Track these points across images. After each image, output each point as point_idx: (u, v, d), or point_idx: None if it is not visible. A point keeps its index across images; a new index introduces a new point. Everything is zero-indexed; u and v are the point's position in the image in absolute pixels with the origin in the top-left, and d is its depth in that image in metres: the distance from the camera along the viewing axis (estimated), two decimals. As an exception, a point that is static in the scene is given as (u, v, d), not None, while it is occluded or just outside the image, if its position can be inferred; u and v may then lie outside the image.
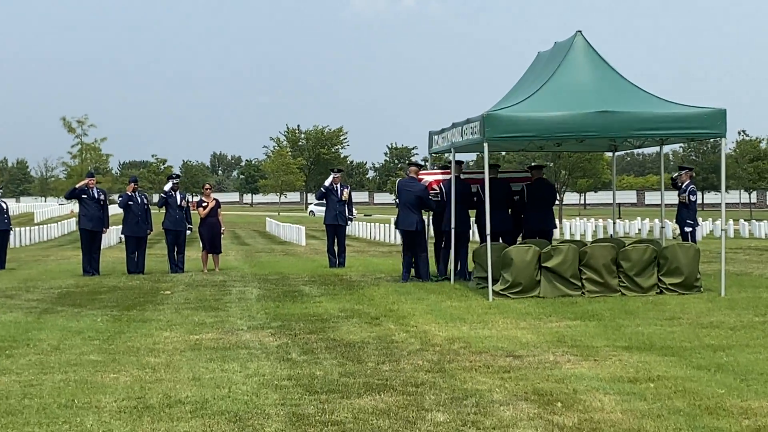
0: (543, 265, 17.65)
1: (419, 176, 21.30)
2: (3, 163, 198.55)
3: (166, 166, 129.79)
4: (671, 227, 53.24)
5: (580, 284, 17.75)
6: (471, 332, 13.70)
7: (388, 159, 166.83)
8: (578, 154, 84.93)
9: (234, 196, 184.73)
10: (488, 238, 17.85)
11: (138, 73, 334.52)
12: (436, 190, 21.09)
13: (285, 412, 8.96)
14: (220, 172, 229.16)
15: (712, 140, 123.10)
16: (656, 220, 60.64)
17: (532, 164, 21.34)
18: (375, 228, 51.11)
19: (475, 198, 20.90)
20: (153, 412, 9.04)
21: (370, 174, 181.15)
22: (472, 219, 21.90)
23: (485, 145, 17.51)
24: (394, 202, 22.09)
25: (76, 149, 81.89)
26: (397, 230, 22.34)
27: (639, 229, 57.61)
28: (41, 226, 53.88)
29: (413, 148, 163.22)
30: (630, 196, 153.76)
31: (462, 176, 21.14)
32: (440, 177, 21.29)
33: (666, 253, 18.04)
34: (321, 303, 17.33)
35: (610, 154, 24.96)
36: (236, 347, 12.67)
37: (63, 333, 14.03)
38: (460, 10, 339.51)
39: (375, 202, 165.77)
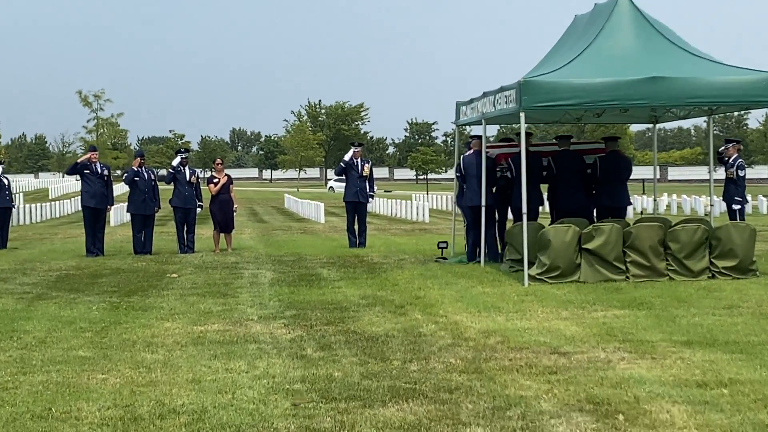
0: (583, 246, 16.15)
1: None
2: (22, 139, 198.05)
3: (183, 141, 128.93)
4: (703, 204, 52.29)
5: (624, 268, 16.23)
6: (508, 323, 12.26)
7: (408, 135, 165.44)
8: (602, 129, 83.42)
9: (253, 172, 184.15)
10: (524, 217, 16.40)
11: (157, 48, 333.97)
12: (504, 165, 19.58)
13: (296, 425, 7.60)
14: (239, 147, 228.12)
15: (736, 114, 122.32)
16: (684, 196, 59.21)
17: (607, 135, 19.88)
18: (396, 205, 49.72)
19: (545, 172, 19.44)
20: (141, 424, 7.70)
21: (390, 150, 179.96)
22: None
23: (522, 115, 16.06)
24: (455, 178, 20.49)
25: (92, 124, 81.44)
26: (459, 208, 20.70)
27: (668, 204, 56.34)
28: (54, 203, 52.79)
29: (434, 123, 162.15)
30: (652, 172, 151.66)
31: (531, 149, 19.60)
32: (508, 150, 19.75)
33: (718, 234, 16.51)
34: (340, 288, 15.90)
35: (634, 127, 23.50)
36: (244, 341, 11.30)
37: (53, 323, 12.68)
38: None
39: (395, 178, 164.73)
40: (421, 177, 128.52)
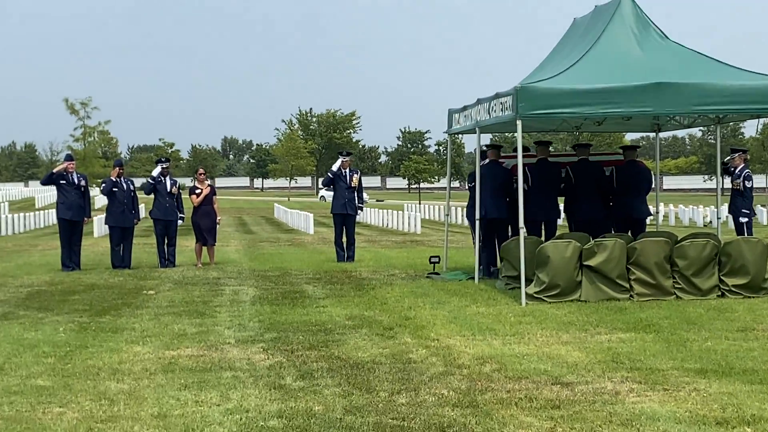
0: (585, 263, 15.22)
1: (500, 159, 19.03)
2: (11, 147, 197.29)
3: (173, 150, 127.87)
4: (702, 214, 51.58)
5: (627, 286, 15.29)
6: (504, 348, 11.33)
7: (401, 143, 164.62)
8: (598, 138, 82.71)
9: (245, 181, 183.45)
10: (521, 231, 15.46)
11: (147, 56, 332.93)
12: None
13: (269, 472, 6.70)
14: (231, 156, 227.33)
15: (732, 124, 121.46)
16: (681, 206, 58.39)
17: (626, 144, 19.08)
18: (387, 215, 48.76)
19: (563, 184, 18.60)
20: (93, 470, 6.77)
21: (383, 158, 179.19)
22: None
23: (518, 122, 15.09)
24: (467, 189, 19.42)
25: (79, 132, 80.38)
26: (469, 220, 19.66)
27: (665, 215, 55.63)
28: (38, 212, 51.83)
29: (426, 132, 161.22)
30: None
31: (550, 159, 18.84)
32: (525, 160, 18.78)
33: (728, 250, 15.57)
34: (325, 308, 14.94)
35: (628, 136, 22.52)
36: (219, 368, 10.38)
37: (14, 347, 11.73)
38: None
39: (387, 187, 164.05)
40: (414, 186, 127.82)
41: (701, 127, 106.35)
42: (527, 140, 25.03)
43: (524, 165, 17.93)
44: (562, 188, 18.58)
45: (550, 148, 19.56)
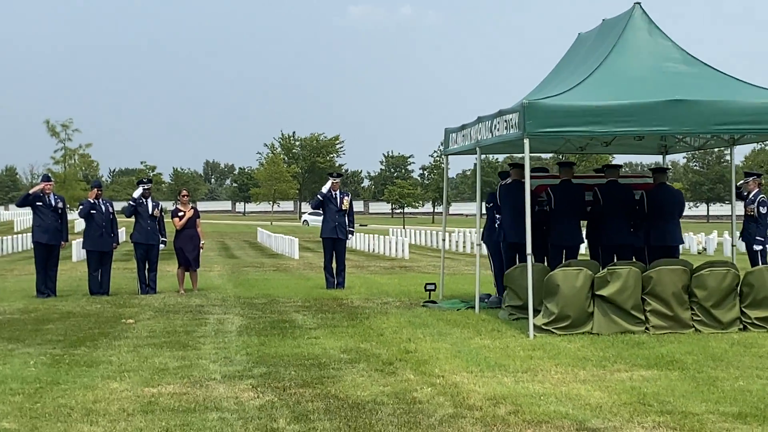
0: (597, 293, 14.24)
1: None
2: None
3: (154, 173, 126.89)
4: (696, 241, 50.63)
5: (643, 318, 14.30)
6: (518, 387, 10.33)
7: (384, 167, 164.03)
8: (585, 162, 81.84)
9: (227, 205, 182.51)
10: (529, 258, 14.45)
11: (128, 78, 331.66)
12: (543, 197, 17.60)
13: None
14: (213, 180, 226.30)
15: (717, 150, 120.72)
16: (699, 234, 57.53)
17: (656, 167, 17.97)
18: (374, 240, 47.70)
19: (588, 207, 17.46)
20: None
21: (366, 183, 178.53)
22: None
23: (526, 141, 14.07)
24: (487, 209, 18.23)
25: (59, 154, 79.63)
26: (487, 244, 18.60)
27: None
28: (17, 236, 50.60)
29: (410, 157, 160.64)
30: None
31: (574, 180, 17.77)
32: (548, 181, 17.84)
33: (751, 280, 14.62)
34: (317, 339, 13.89)
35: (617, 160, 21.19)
36: (203, 408, 9.39)
37: (-22, 383, 10.68)
38: (458, 18, 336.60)
39: (371, 211, 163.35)
40: (398, 211, 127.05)
41: (684, 154, 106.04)
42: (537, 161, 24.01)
43: (547, 186, 17.03)
44: (587, 211, 17.50)
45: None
